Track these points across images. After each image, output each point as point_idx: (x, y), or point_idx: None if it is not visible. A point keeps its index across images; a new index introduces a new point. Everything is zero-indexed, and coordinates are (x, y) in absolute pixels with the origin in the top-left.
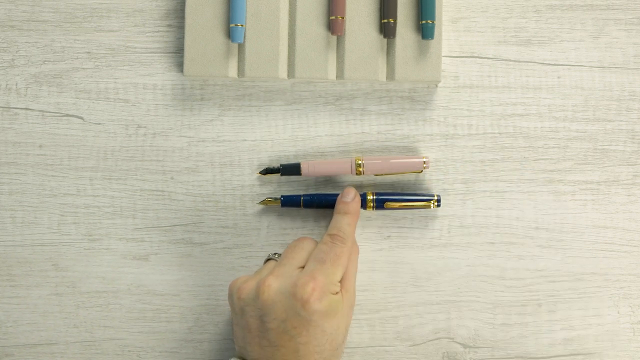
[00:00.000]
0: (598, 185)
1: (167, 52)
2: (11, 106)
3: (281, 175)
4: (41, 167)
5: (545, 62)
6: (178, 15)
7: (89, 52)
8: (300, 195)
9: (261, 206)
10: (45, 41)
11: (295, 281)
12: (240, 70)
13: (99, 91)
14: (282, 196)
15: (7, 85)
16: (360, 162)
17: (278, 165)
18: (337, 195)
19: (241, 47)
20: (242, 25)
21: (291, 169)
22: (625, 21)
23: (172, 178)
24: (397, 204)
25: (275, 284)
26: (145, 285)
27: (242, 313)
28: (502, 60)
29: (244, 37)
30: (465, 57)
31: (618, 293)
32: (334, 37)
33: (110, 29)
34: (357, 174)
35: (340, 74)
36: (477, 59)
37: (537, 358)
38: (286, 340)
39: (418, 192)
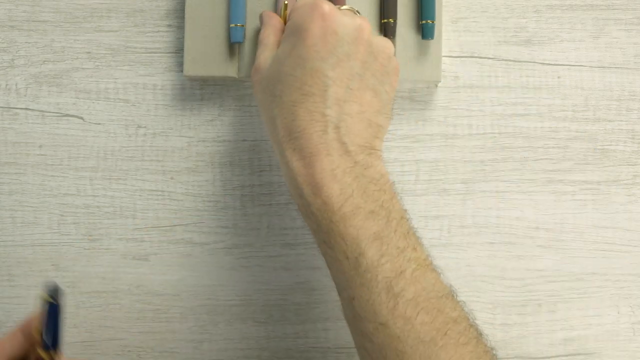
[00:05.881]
0: (598, 185)
1: (167, 52)
2: (11, 106)
3: None
4: (41, 167)
5: (545, 62)
6: (178, 15)
7: (89, 52)
8: None
9: (261, 206)
10: (45, 41)
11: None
12: (241, 70)
13: (99, 91)
14: None
15: (7, 85)
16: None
17: None
18: None
19: (241, 47)
20: (242, 25)
21: None
22: (625, 21)
23: (172, 178)
24: None
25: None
26: (145, 285)
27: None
28: (502, 60)
29: (244, 37)
30: (465, 57)
31: (618, 293)
32: None
33: (110, 29)
34: None
35: None
36: (477, 59)
37: (537, 358)
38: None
39: None
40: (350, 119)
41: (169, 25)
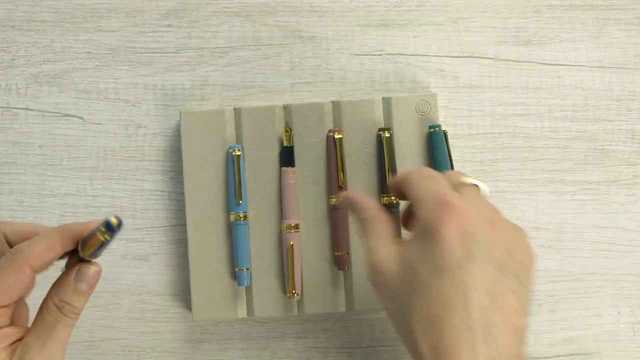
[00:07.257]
0: (598, 185)
1: (167, 52)
2: (11, 106)
3: None
4: (41, 167)
5: (545, 62)
6: (178, 15)
7: (89, 52)
8: None
9: None
10: (45, 41)
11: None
12: (250, 311)
13: (99, 91)
14: None
15: (7, 85)
16: None
17: None
18: None
19: (248, 288)
20: (247, 269)
21: None
22: (625, 21)
23: (172, 178)
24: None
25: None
26: (145, 285)
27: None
28: (502, 60)
29: (250, 279)
30: (465, 57)
31: (618, 293)
32: (341, 271)
33: (110, 29)
34: None
35: (350, 306)
36: (477, 59)
37: (537, 358)
38: None
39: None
40: (496, 329)
41: (169, 25)
